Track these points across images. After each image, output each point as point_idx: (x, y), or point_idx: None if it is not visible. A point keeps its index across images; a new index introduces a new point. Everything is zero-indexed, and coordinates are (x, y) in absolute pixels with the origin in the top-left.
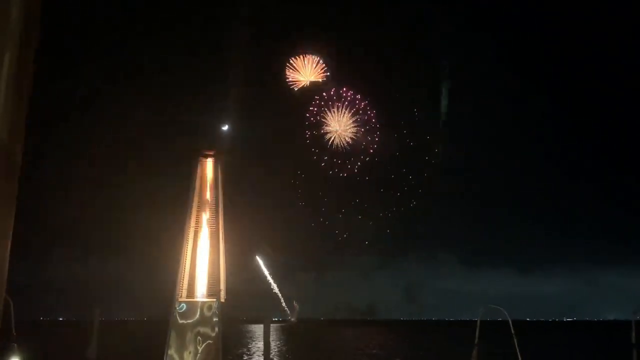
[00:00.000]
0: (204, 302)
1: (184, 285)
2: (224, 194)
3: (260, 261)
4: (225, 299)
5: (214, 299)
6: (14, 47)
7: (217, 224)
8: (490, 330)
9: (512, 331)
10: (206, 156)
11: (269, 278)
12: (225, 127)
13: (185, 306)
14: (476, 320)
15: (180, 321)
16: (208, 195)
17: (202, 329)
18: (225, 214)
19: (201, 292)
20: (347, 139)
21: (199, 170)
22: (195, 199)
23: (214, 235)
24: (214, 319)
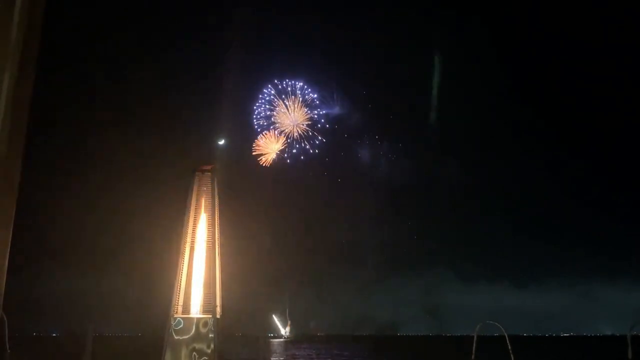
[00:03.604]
0: (199, 318)
1: (179, 301)
2: (221, 209)
3: (276, 320)
4: (221, 315)
5: (210, 315)
6: (14, 65)
7: (214, 239)
8: (487, 346)
9: (509, 346)
10: (203, 171)
11: (282, 331)
12: (222, 142)
13: (181, 322)
14: (473, 336)
15: (176, 337)
16: (204, 210)
17: (197, 345)
18: (221, 230)
19: (197, 309)
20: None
21: (195, 185)
22: (192, 214)
23: (210, 251)
24: (210, 335)
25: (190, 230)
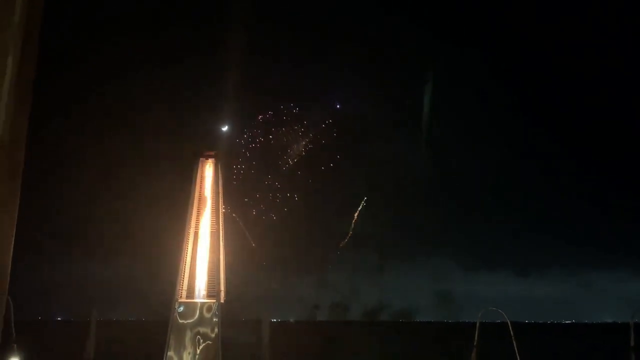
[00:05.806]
0: (203, 303)
1: (183, 286)
2: (224, 194)
3: None
4: (225, 300)
5: (214, 300)
6: (16, 50)
7: (218, 224)
8: (490, 332)
9: (511, 333)
10: (207, 157)
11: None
12: (225, 128)
13: (185, 307)
14: (475, 322)
15: (180, 321)
16: (208, 196)
17: (201, 330)
18: (225, 215)
19: (201, 293)
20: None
21: (199, 171)
22: (196, 200)
23: (214, 236)
24: (214, 320)
25: (194, 216)
